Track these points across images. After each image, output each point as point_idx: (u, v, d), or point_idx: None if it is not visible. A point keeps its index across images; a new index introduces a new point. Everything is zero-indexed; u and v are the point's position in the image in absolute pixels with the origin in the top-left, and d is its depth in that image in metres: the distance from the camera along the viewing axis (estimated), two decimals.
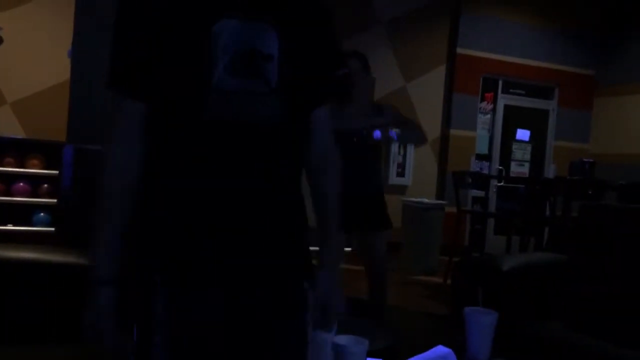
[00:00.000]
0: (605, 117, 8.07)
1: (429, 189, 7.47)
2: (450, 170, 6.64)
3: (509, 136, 8.00)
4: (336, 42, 1.32)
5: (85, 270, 2.04)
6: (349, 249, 4.75)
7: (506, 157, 7.98)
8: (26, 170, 5.43)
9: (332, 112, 1.32)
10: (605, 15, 8.03)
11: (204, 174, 1.10)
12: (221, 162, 1.10)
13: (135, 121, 1.13)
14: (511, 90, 8.05)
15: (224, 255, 1.12)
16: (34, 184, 5.45)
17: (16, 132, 5.90)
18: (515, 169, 7.96)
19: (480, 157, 7.85)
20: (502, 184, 7.68)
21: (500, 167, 7.90)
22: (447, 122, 7.60)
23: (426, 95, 7.49)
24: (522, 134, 8.04)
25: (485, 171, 7.75)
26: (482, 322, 1.69)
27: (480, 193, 7.12)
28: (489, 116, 7.95)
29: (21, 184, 5.43)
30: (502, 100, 7.98)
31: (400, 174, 7.37)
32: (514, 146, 8.00)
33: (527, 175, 7.89)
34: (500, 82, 7.93)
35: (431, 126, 7.52)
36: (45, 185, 5.46)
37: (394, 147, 7.29)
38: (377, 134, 3.22)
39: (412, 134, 4.36)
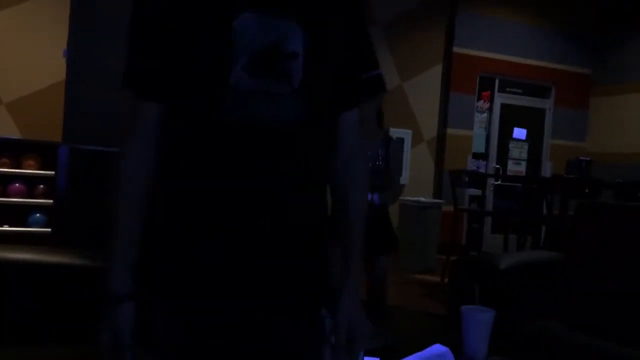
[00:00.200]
0: (601, 116, 8.08)
1: (426, 188, 7.48)
2: (447, 169, 6.65)
3: (505, 135, 8.01)
4: (369, 39, 1.21)
5: (83, 270, 2.04)
6: None
7: (503, 156, 7.99)
8: (22, 171, 5.41)
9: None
10: (602, 15, 8.04)
11: (218, 178, 1.02)
12: (237, 166, 1.02)
13: (150, 125, 1.06)
14: (508, 89, 8.06)
15: (231, 272, 1.02)
16: (30, 184, 5.44)
17: (11, 132, 5.88)
18: (512, 168, 7.98)
19: (477, 155, 7.86)
20: (499, 182, 7.69)
21: (497, 166, 7.91)
22: (443, 121, 7.61)
23: (423, 95, 7.50)
24: (519, 133, 8.06)
25: (482, 170, 7.76)
26: (479, 320, 1.69)
27: (477, 192, 7.13)
28: (485, 115, 7.96)
29: (17, 184, 5.41)
30: (499, 99, 7.99)
31: None
32: (511, 145, 8.01)
33: (524, 174, 7.91)
34: (496, 81, 7.94)
35: (428, 125, 7.53)
36: (41, 186, 5.44)
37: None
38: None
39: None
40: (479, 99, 7.89)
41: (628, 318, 2.26)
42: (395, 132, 6.75)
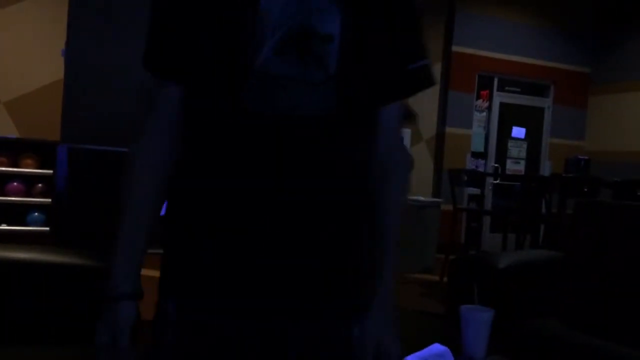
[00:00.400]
0: (600, 115, 8.08)
1: (424, 187, 7.47)
2: (446, 168, 6.65)
3: (504, 134, 8.01)
4: (418, 24, 1.05)
5: (82, 270, 2.04)
6: None
7: (502, 155, 7.99)
8: (20, 170, 5.41)
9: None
10: (601, 14, 8.04)
11: (238, 174, 0.92)
12: (260, 164, 0.91)
13: (170, 108, 0.98)
14: (507, 88, 8.06)
15: (253, 273, 0.91)
16: (28, 183, 5.44)
17: (10, 131, 5.88)
18: (511, 167, 7.98)
19: (476, 154, 7.86)
20: (498, 181, 7.69)
21: (496, 165, 7.91)
22: (442, 120, 7.61)
23: (422, 93, 7.44)
24: (518, 132, 8.06)
25: (481, 169, 7.76)
26: (478, 319, 1.68)
27: (476, 191, 7.13)
28: (484, 114, 7.96)
29: (15, 183, 5.41)
30: (498, 97, 7.99)
31: None
32: (510, 144, 8.01)
33: (523, 173, 7.91)
34: (495, 80, 7.94)
35: (427, 124, 7.52)
36: (40, 185, 5.44)
37: None
38: None
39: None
40: (477, 97, 7.89)
41: (627, 317, 2.26)
42: None
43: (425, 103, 7.51)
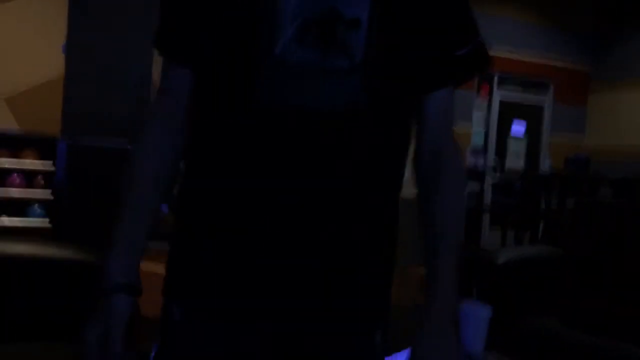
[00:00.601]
0: (600, 112, 8.08)
1: None
2: None
3: (504, 131, 8.01)
4: (463, 2, 0.93)
5: (82, 265, 2.04)
6: None
7: (502, 152, 7.99)
8: (21, 161, 5.41)
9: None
10: (601, 11, 8.03)
11: (253, 174, 0.83)
12: (277, 160, 0.82)
13: (181, 92, 0.91)
14: (507, 86, 8.05)
15: (268, 287, 0.84)
16: (29, 177, 5.44)
17: (11, 126, 5.87)
18: (510, 164, 7.97)
19: (475, 151, 7.86)
20: (497, 178, 7.69)
21: (496, 162, 7.91)
22: None
23: None
24: (518, 128, 8.05)
25: (481, 166, 7.76)
26: (476, 316, 1.69)
27: (475, 187, 7.13)
28: (484, 111, 7.95)
29: (16, 177, 5.41)
30: (498, 95, 7.98)
31: None
32: (509, 141, 8.01)
33: (522, 170, 7.90)
34: (495, 78, 7.92)
35: None
36: (40, 179, 5.44)
37: None
38: None
39: None
40: (477, 95, 7.88)
41: (624, 315, 2.26)
42: None
43: None
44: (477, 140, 7.92)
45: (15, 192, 5.35)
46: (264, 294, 0.85)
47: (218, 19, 0.84)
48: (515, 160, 8.03)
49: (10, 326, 1.95)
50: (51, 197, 5.02)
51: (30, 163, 5.38)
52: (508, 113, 8.03)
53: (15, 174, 5.40)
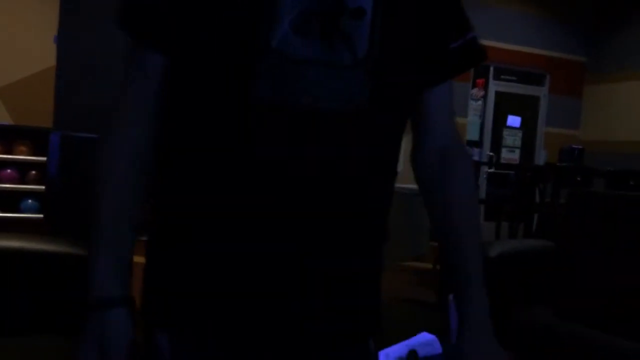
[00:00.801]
0: (595, 104, 8.08)
1: None
2: None
3: (499, 122, 8.01)
4: None
5: (76, 259, 2.03)
6: None
7: (497, 144, 8.00)
8: (14, 157, 5.39)
9: None
10: (597, 3, 8.02)
11: (249, 176, 0.76)
12: (276, 160, 0.76)
13: (153, 82, 0.80)
14: (502, 77, 8.04)
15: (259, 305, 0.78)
16: (22, 170, 5.42)
17: (3, 118, 5.85)
18: (506, 155, 7.99)
19: (471, 143, 7.87)
20: (492, 170, 7.70)
21: (491, 154, 7.92)
22: None
23: None
24: (513, 120, 8.06)
25: (476, 157, 7.77)
26: None
27: None
28: (480, 102, 7.95)
29: (9, 170, 5.39)
30: (494, 86, 7.98)
31: None
32: (505, 132, 8.01)
33: (517, 162, 7.92)
34: (491, 69, 7.92)
35: None
36: (33, 172, 5.42)
37: None
38: None
39: None
40: (473, 86, 7.88)
41: (618, 307, 2.27)
42: None
43: None
44: (473, 131, 7.92)
45: (8, 186, 5.34)
46: (260, 321, 0.79)
47: (212, 10, 0.75)
48: (510, 151, 8.04)
49: (4, 320, 1.94)
50: (44, 190, 5.00)
51: (23, 156, 5.37)
52: (504, 104, 8.03)
53: (9, 169, 5.38)
